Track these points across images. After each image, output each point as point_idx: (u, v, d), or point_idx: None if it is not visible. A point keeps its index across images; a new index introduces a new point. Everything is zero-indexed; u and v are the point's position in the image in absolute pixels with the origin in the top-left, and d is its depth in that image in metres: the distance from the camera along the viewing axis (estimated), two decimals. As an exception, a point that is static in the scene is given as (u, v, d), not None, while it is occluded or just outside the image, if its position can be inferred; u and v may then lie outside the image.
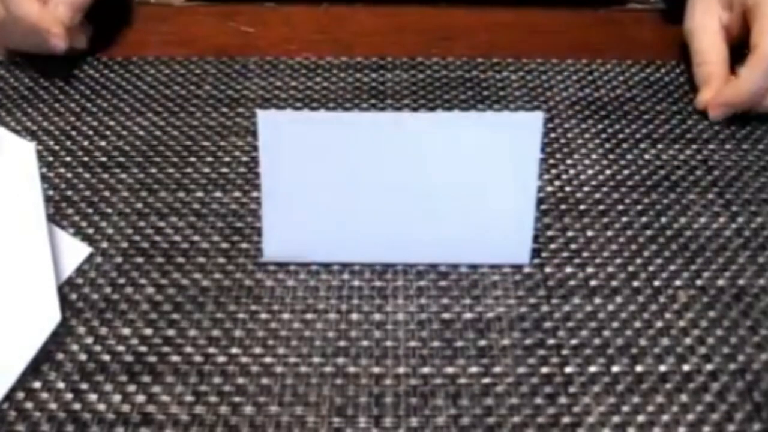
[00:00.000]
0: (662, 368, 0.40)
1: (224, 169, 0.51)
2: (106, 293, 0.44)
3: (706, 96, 0.56)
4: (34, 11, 0.55)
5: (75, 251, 0.45)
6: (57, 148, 0.53)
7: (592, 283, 0.44)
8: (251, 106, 0.56)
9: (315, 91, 0.57)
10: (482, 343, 0.41)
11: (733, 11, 0.58)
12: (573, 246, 0.47)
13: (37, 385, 0.39)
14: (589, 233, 0.47)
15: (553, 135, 0.54)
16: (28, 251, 0.42)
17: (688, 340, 0.42)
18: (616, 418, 0.38)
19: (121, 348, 0.41)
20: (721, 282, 0.45)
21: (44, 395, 0.39)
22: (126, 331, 0.42)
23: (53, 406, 0.38)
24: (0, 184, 0.44)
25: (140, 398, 0.39)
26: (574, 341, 0.42)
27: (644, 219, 0.48)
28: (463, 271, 0.45)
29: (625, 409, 0.39)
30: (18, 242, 0.42)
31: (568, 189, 0.50)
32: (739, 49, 0.57)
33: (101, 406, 0.38)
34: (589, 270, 0.45)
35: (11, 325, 0.40)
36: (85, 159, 0.52)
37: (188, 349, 0.41)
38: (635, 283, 0.44)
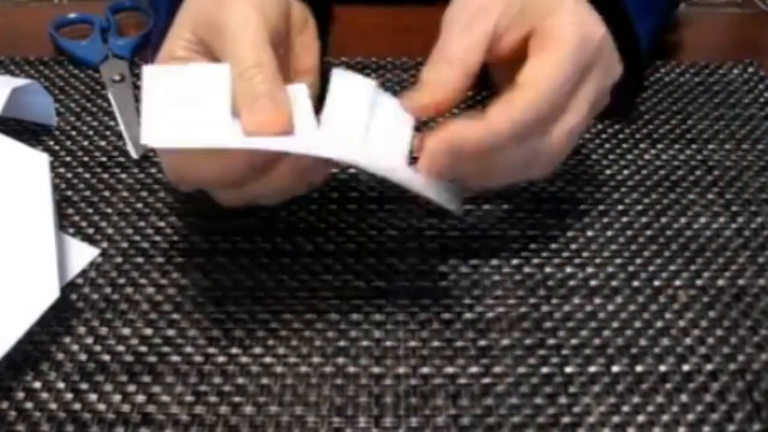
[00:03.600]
0: (662, 368, 0.40)
1: (224, 169, 0.51)
2: (106, 293, 0.44)
3: (425, 99, 0.40)
4: None
5: (83, 254, 0.46)
6: (57, 148, 0.53)
7: (592, 283, 0.44)
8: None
9: (315, 91, 0.57)
10: (482, 343, 0.41)
11: (521, 22, 0.41)
12: (573, 246, 0.47)
13: (37, 385, 0.39)
14: (589, 233, 0.47)
15: (553, 135, 0.54)
16: (34, 252, 0.42)
17: (688, 340, 0.42)
18: (616, 418, 0.38)
19: (121, 348, 0.41)
20: (721, 282, 0.45)
21: (44, 395, 0.39)
22: (126, 331, 0.42)
23: (53, 406, 0.38)
24: (11, 194, 0.44)
25: (140, 398, 0.39)
26: (574, 341, 0.42)
27: (644, 219, 0.48)
28: (464, 271, 0.45)
29: (625, 409, 0.39)
30: (24, 244, 0.42)
31: (568, 189, 0.50)
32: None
33: (101, 406, 0.38)
34: (589, 270, 0.45)
35: (8, 296, 0.40)
36: (85, 159, 0.52)
37: (188, 349, 0.41)
38: (635, 283, 0.44)
